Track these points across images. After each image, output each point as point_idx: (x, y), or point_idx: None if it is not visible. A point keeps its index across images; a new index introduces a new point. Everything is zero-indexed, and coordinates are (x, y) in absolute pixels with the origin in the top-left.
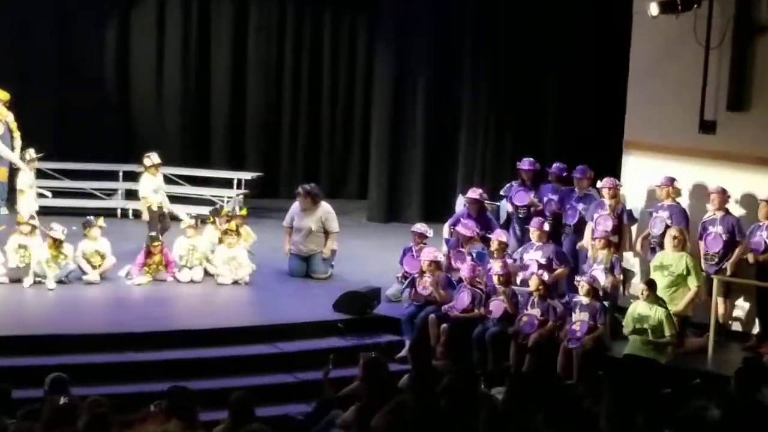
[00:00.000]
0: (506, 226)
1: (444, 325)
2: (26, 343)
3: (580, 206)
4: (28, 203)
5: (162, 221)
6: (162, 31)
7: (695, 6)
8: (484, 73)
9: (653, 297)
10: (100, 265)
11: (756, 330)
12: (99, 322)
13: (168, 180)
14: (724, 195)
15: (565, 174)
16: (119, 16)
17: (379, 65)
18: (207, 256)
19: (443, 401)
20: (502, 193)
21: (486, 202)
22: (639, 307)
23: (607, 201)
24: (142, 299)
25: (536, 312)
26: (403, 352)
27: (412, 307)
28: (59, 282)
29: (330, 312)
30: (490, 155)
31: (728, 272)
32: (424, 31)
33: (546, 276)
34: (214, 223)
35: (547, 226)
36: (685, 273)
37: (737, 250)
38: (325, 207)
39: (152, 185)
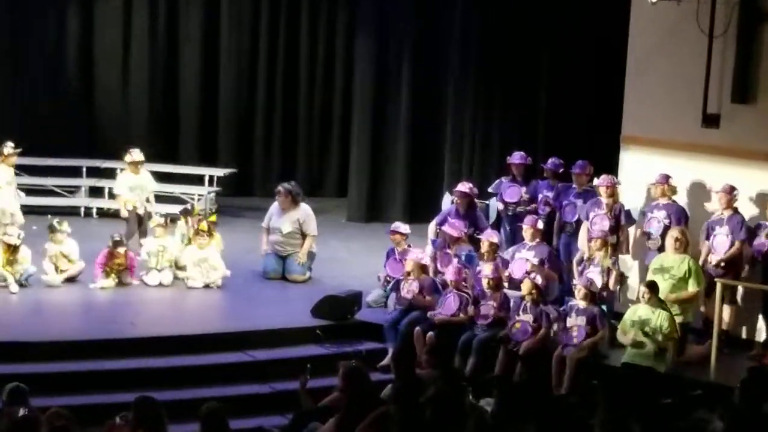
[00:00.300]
0: (496, 226)
1: (430, 334)
2: None
3: (579, 202)
4: (5, 201)
5: (140, 223)
6: (128, 19)
7: None
8: (472, 64)
9: (655, 300)
10: (66, 270)
11: (761, 337)
12: (61, 328)
13: None
14: (731, 194)
15: (561, 170)
16: (82, 3)
17: (360, 55)
18: (177, 259)
19: (428, 412)
20: (490, 189)
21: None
22: (640, 310)
23: (604, 200)
24: (107, 304)
25: (528, 318)
26: (386, 361)
27: (396, 313)
28: (20, 285)
29: (308, 318)
30: (478, 150)
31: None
32: (407, 20)
33: (539, 280)
34: (187, 222)
35: (541, 224)
36: (687, 277)
37: (732, 249)
38: (305, 208)
39: (128, 183)
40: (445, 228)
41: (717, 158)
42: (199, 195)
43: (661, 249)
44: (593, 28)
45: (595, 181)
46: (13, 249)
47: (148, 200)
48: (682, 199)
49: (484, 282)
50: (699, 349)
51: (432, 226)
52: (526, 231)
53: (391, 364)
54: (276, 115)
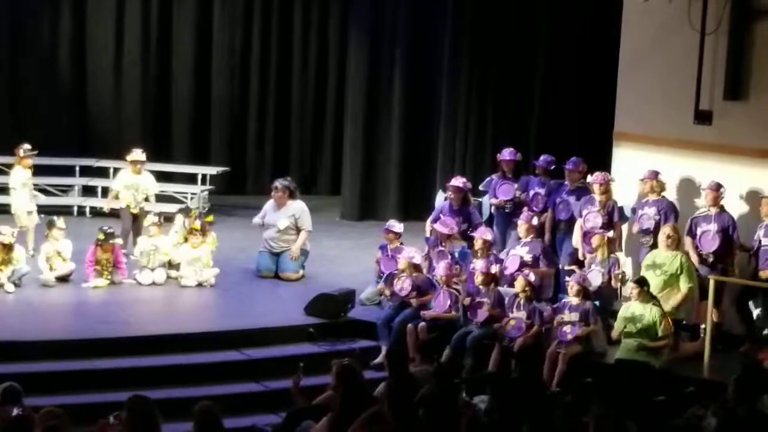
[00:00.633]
0: (489, 223)
1: (421, 324)
2: None
3: (572, 200)
4: (20, 203)
5: (135, 221)
6: (120, 16)
7: None
8: (465, 61)
9: (647, 296)
10: (57, 269)
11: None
12: (54, 327)
13: None
14: (718, 191)
15: (553, 167)
16: (74, 2)
17: (353, 52)
18: (170, 258)
19: (422, 411)
20: (481, 188)
21: (470, 195)
22: (632, 307)
23: (597, 197)
24: (100, 303)
25: (522, 315)
26: (379, 359)
27: (389, 311)
28: (14, 285)
29: (301, 316)
30: (471, 148)
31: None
32: (401, 17)
33: (532, 277)
34: (184, 224)
35: (536, 221)
36: (678, 273)
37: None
38: (300, 203)
39: (125, 181)
40: (436, 226)
41: (709, 155)
42: (192, 193)
43: (653, 245)
44: (586, 25)
45: (589, 178)
46: (7, 248)
47: (147, 199)
48: (673, 195)
49: (477, 278)
50: (692, 346)
51: (428, 224)
52: (521, 226)
53: (385, 362)
54: (269, 113)
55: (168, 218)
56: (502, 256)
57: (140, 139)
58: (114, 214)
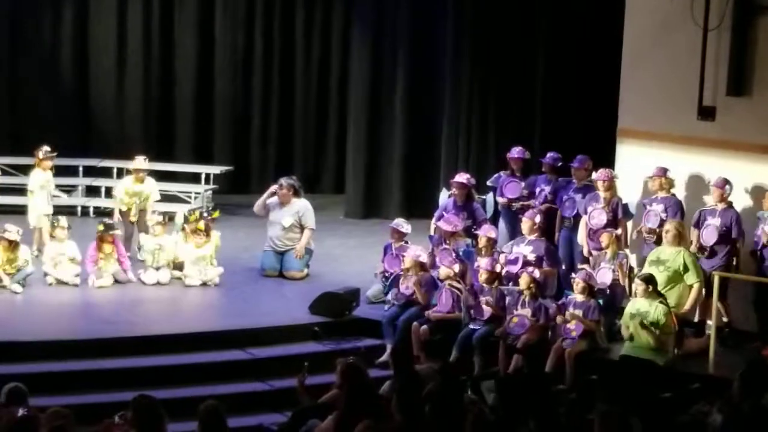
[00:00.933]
0: (494, 220)
1: (423, 327)
2: None
3: (578, 197)
4: (38, 205)
5: (133, 224)
6: (122, 15)
7: None
8: (467, 59)
9: (653, 293)
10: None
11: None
12: (60, 327)
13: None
14: (723, 188)
15: (559, 164)
16: (77, 2)
17: (356, 51)
18: (175, 257)
19: (428, 408)
20: (489, 183)
21: (474, 191)
22: (638, 303)
23: (601, 194)
24: (105, 303)
25: (527, 312)
26: (385, 357)
27: (394, 309)
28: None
29: (306, 315)
30: (474, 146)
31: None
32: (403, 14)
33: (537, 273)
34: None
35: (539, 219)
36: (681, 269)
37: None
38: (304, 202)
39: (128, 189)
40: (440, 223)
41: (713, 151)
42: (196, 193)
43: (658, 242)
44: (588, 22)
45: (593, 175)
46: (13, 246)
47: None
48: (678, 192)
49: (481, 276)
50: (697, 342)
51: (433, 223)
52: (525, 223)
53: (390, 361)
54: (272, 112)
55: (172, 218)
56: (506, 249)
57: (143, 138)
58: (100, 213)
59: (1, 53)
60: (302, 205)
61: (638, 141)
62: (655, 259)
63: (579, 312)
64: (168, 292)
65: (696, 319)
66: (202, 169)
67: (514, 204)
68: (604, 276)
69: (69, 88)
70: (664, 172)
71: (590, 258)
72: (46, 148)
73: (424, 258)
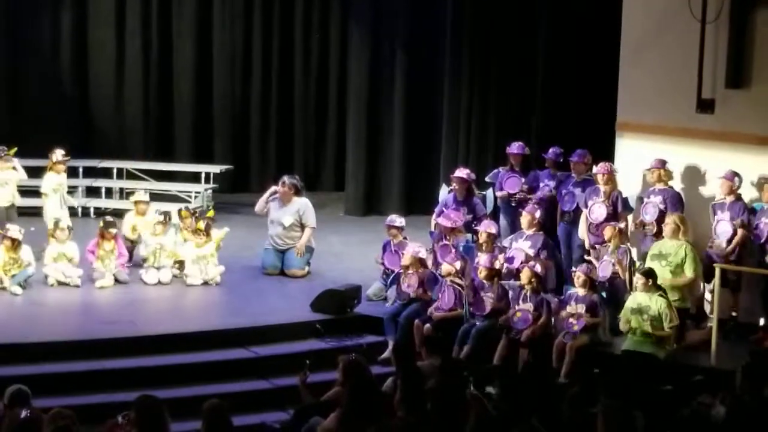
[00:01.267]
0: (494, 216)
1: (426, 326)
2: None
3: (578, 191)
4: (51, 209)
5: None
6: (121, 16)
7: None
8: (466, 54)
9: (653, 287)
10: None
11: (762, 322)
12: (61, 328)
13: (130, 175)
14: (732, 180)
15: (561, 159)
16: (75, 2)
17: (354, 47)
18: (176, 255)
19: (430, 404)
20: (488, 179)
21: (474, 186)
22: (638, 297)
23: (601, 187)
24: (106, 303)
25: (529, 306)
26: (387, 354)
27: (395, 306)
28: (21, 288)
29: (307, 312)
30: (474, 141)
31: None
32: (402, 11)
33: (538, 268)
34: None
35: (539, 213)
36: (683, 262)
37: (735, 239)
38: (304, 200)
39: (132, 224)
40: (440, 219)
41: (712, 143)
42: (196, 192)
43: (656, 235)
44: (586, 16)
45: (594, 169)
46: (16, 245)
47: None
48: (677, 184)
49: (481, 273)
50: (699, 334)
51: (433, 219)
52: (524, 217)
53: (392, 357)
54: (271, 109)
55: (171, 217)
56: (505, 243)
57: (143, 138)
58: (118, 214)
59: (2, 59)
60: (303, 204)
61: (637, 134)
62: (656, 253)
63: (581, 306)
64: (169, 292)
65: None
66: (202, 169)
67: (513, 199)
68: (605, 269)
69: (68, 89)
70: (662, 164)
71: (592, 251)
72: (60, 151)
73: (423, 254)
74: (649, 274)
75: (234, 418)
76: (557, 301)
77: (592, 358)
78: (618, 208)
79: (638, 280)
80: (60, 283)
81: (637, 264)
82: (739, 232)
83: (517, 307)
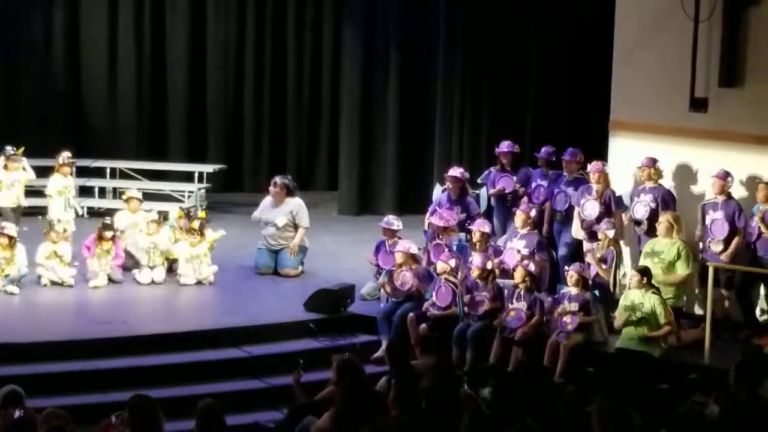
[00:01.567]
0: (487, 215)
1: (423, 325)
2: None
3: (570, 190)
4: (55, 210)
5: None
6: (114, 14)
7: None
8: (459, 54)
9: (648, 285)
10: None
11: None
12: (54, 328)
13: (123, 174)
14: (725, 179)
15: (554, 158)
16: (67, 0)
17: (348, 47)
18: (171, 254)
19: (424, 403)
20: (480, 180)
21: (468, 185)
22: (632, 295)
23: (594, 186)
24: (99, 303)
25: (522, 305)
26: (380, 353)
27: (389, 305)
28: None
29: (301, 312)
30: (467, 141)
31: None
32: (394, 10)
33: (532, 267)
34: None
35: (534, 212)
36: (675, 260)
37: (735, 241)
38: (297, 200)
39: (125, 222)
40: (433, 219)
41: (705, 142)
42: (189, 192)
43: (648, 233)
44: (580, 15)
45: (588, 168)
46: (11, 245)
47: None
48: (670, 183)
49: (473, 273)
50: (693, 333)
51: (426, 218)
52: (518, 216)
53: (386, 356)
54: (264, 109)
55: (166, 217)
56: (500, 243)
57: (136, 137)
58: (111, 213)
59: None
60: (295, 204)
61: (631, 133)
62: (649, 251)
63: (574, 305)
64: (163, 291)
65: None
66: (195, 168)
67: (508, 199)
68: (593, 268)
69: (61, 88)
70: (653, 162)
71: (586, 250)
72: (67, 153)
73: (414, 249)
74: (644, 272)
75: (228, 418)
76: (551, 300)
77: (586, 357)
78: (611, 207)
79: (633, 277)
80: (53, 283)
81: (623, 266)
82: (736, 239)
83: (510, 306)
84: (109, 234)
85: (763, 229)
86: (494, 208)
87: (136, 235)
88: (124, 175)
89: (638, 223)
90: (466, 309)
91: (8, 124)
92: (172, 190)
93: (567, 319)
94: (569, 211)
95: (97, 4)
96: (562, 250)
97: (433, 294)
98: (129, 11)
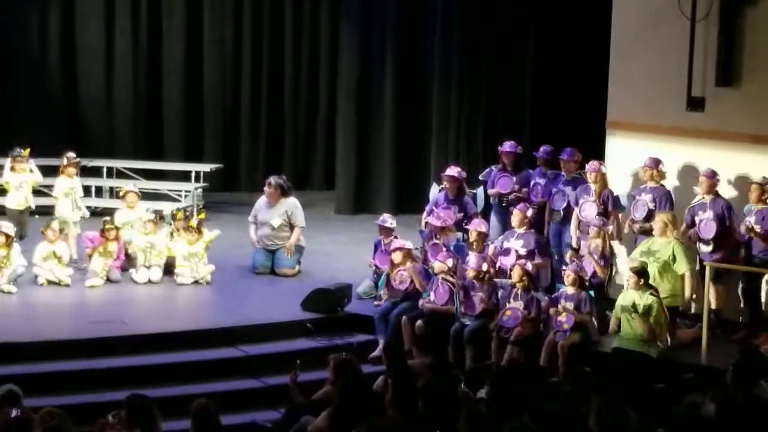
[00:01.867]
0: (484, 214)
1: (419, 322)
2: None
3: (568, 190)
4: (62, 212)
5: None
6: (110, 15)
7: None
8: (456, 53)
9: (645, 285)
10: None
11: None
12: (51, 328)
13: (120, 174)
14: (713, 179)
15: (552, 157)
16: (64, 1)
17: (344, 45)
18: (169, 252)
19: (421, 403)
20: (481, 177)
21: (465, 185)
22: (629, 295)
23: (592, 186)
24: (96, 303)
25: (519, 305)
26: (377, 352)
27: (386, 304)
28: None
29: (298, 311)
30: (464, 140)
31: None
32: (391, 7)
33: (529, 266)
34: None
35: (530, 212)
36: (671, 260)
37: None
38: (292, 200)
39: (123, 220)
40: (430, 219)
41: (702, 141)
42: (186, 191)
43: (646, 232)
44: (576, 14)
45: (586, 167)
46: (9, 243)
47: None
48: (668, 183)
49: (468, 274)
50: (689, 333)
51: (423, 218)
52: (516, 215)
53: (383, 356)
54: (261, 109)
55: (163, 216)
56: (496, 243)
57: (133, 137)
58: (108, 213)
59: None
60: (291, 204)
61: (628, 133)
62: (645, 250)
63: (570, 304)
64: (160, 291)
65: (692, 311)
66: (192, 167)
67: (504, 199)
68: (588, 267)
69: (57, 88)
70: (656, 163)
71: (582, 249)
72: (71, 154)
73: (410, 245)
74: (641, 272)
75: (225, 417)
76: (548, 299)
77: (583, 357)
78: (609, 207)
79: (630, 277)
80: (50, 283)
81: (614, 266)
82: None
83: (507, 306)
84: (112, 234)
85: (752, 234)
86: (492, 208)
87: (132, 234)
88: (121, 174)
89: (635, 223)
90: (462, 309)
91: (4, 125)
92: (169, 190)
93: (562, 318)
94: (567, 210)
95: (94, 7)
96: (565, 250)
97: (431, 293)
98: (126, 13)
